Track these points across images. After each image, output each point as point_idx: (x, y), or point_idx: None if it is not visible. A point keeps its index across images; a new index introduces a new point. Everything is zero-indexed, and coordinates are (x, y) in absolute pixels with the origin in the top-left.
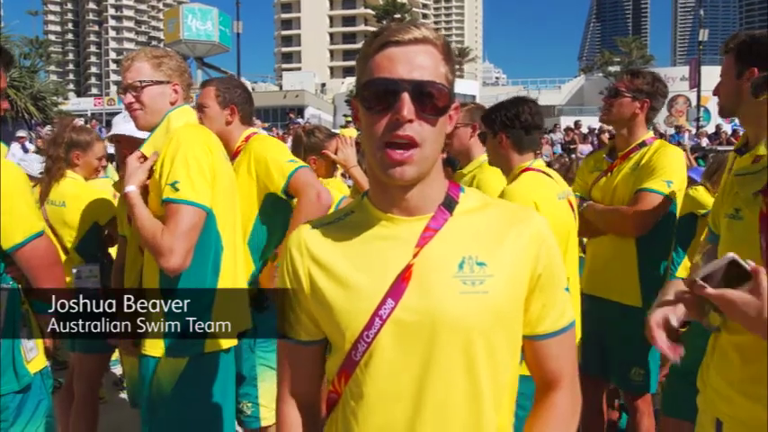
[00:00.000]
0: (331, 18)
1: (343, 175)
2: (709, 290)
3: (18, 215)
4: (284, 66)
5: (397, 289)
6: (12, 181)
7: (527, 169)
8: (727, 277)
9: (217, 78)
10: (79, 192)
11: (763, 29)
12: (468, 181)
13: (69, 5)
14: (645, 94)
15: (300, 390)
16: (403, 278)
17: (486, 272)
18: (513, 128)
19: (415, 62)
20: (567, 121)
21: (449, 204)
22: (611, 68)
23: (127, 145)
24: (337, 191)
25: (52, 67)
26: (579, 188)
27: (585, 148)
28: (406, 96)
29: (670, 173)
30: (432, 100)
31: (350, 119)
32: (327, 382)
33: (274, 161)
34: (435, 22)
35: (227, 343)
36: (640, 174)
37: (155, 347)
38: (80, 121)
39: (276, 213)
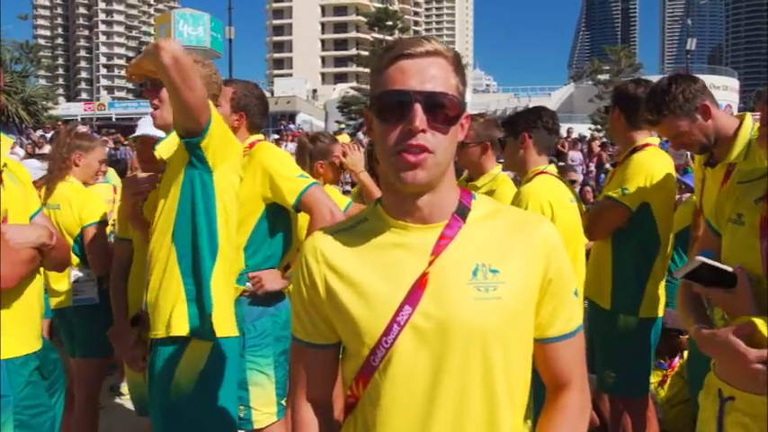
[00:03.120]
0: (323, 24)
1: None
2: (696, 287)
3: None
4: (276, 72)
5: (414, 296)
6: None
7: (542, 172)
8: (714, 277)
9: (239, 81)
10: (71, 194)
11: (748, 37)
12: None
13: (59, 10)
14: (615, 101)
15: (315, 391)
16: (419, 285)
17: (499, 278)
18: (536, 128)
19: (426, 74)
20: None
21: (462, 212)
22: (601, 76)
23: (150, 147)
24: (338, 198)
25: (42, 72)
26: (600, 196)
27: (576, 155)
28: (418, 107)
29: (628, 179)
30: (443, 110)
31: (342, 125)
32: (344, 386)
33: (284, 176)
34: (426, 30)
35: (234, 330)
36: (613, 181)
37: (181, 328)
38: (83, 128)
39: (277, 222)
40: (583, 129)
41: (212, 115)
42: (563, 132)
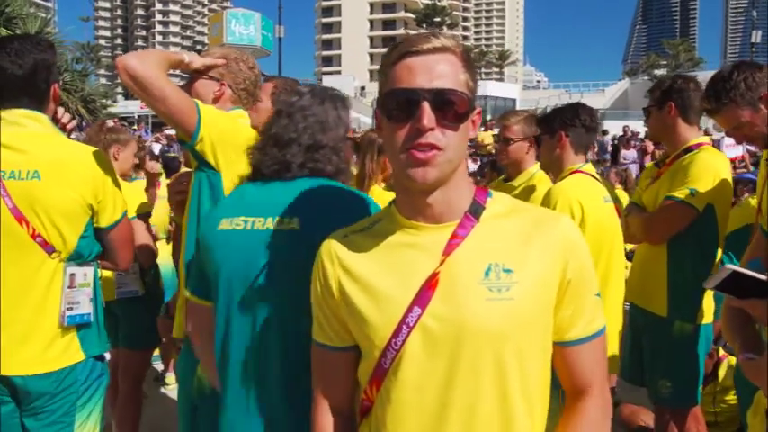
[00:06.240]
0: (371, 22)
1: None
2: (732, 300)
3: (116, 195)
4: (324, 69)
5: (424, 297)
6: (107, 164)
7: (577, 171)
8: (749, 287)
9: (280, 77)
10: None
11: None
12: (519, 193)
13: (119, 12)
14: (667, 97)
15: (334, 396)
16: (429, 286)
17: (513, 278)
18: (573, 126)
19: (434, 71)
20: (610, 126)
21: (475, 210)
22: (657, 72)
23: None
24: (384, 195)
25: (102, 71)
26: (636, 196)
27: (629, 154)
28: (426, 106)
29: (695, 180)
30: (452, 107)
31: None
32: (360, 389)
33: None
34: (476, 26)
35: None
36: (672, 181)
37: (177, 331)
38: (110, 122)
39: None
40: (638, 126)
41: (202, 118)
42: (613, 128)
